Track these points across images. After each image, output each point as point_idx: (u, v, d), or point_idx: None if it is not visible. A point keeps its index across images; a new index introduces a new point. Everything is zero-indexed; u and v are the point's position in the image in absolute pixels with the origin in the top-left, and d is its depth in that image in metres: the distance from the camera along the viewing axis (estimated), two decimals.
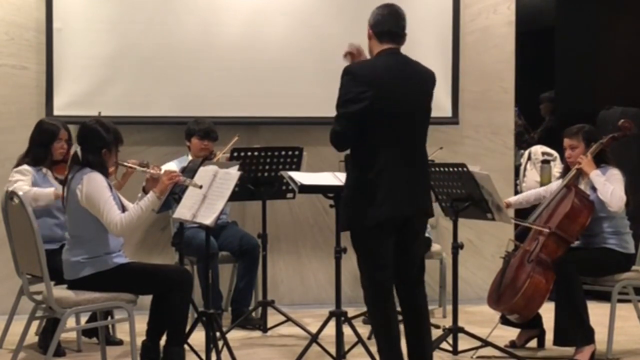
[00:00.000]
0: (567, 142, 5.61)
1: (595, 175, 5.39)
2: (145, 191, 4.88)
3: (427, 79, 4.52)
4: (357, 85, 4.30)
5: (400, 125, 4.35)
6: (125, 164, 5.06)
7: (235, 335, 5.87)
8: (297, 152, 6.05)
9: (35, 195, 5.32)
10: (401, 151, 4.36)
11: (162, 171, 4.89)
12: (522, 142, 9.02)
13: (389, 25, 4.44)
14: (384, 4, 4.54)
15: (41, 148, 5.55)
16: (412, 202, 4.39)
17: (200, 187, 4.80)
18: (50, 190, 5.40)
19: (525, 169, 8.03)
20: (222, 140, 6.40)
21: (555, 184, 5.74)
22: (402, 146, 4.36)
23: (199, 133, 6.35)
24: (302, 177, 5.19)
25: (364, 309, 6.25)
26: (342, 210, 4.49)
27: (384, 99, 4.30)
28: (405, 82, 4.39)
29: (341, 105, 4.33)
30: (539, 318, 5.61)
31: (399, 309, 4.52)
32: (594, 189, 5.40)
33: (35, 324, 5.50)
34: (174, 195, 5.12)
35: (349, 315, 5.34)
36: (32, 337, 5.50)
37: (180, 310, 4.83)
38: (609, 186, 5.33)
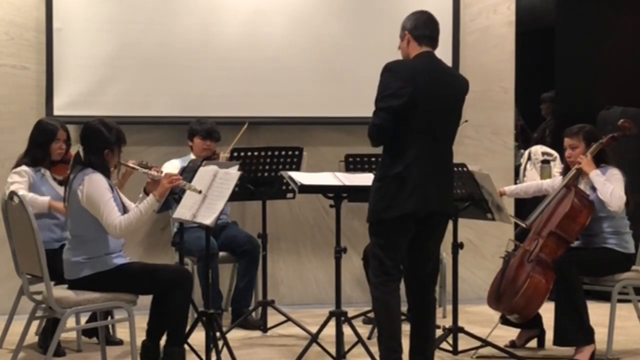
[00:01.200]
0: (567, 141, 5.62)
1: (595, 175, 5.39)
2: (146, 191, 4.88)
3: (462, 83, 4.74)
4: (397, 81, 4.44)
5: (433, 123, 4.50)
6: (128, 164, 5.06)
7: (235, 335, 5.87)
8: (297, 152, 6.05)
9: (30, 202, 5.29)
10: (431, 148, 4.50)
11: (163, 173, 4.89)
12: (528, 140, 9.02)
13: (430, 30, 4.63)
14: (419, 10, 4.70)
15: (40, 148, 5.54)
16: (437, 199, 4.51)
17: (200, 192, 4.81)
18: (45, 199, 5.39)
19: (525, 169, 8.03)
20: (224, 140, 6.40)
21: (559, 179, 5.74)
22: (432, 144, 4.50)
23: (202, 133, 6.36)
24: (302, 177, 5.19)
25: (364, 309, 6.29)
26: (370, 201, 4.56)
27: (420, 96, 4.44)
28: (441, 83, 4.56)
29: (381, 99, 4.47)
30: (539, 318, 5.61)
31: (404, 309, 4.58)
32: (593, 188, 5.40)
33: (35, 324, 5.50)
34: (174, 195, 5.12)
35: (349, 315, 5.33)
36: (32, 337, 5.50)
37: (180, 310, 4.83)
38: (609, 186, 5.33)
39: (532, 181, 6.14)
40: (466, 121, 6.45)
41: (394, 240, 4.51)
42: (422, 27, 4.60)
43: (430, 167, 4.48)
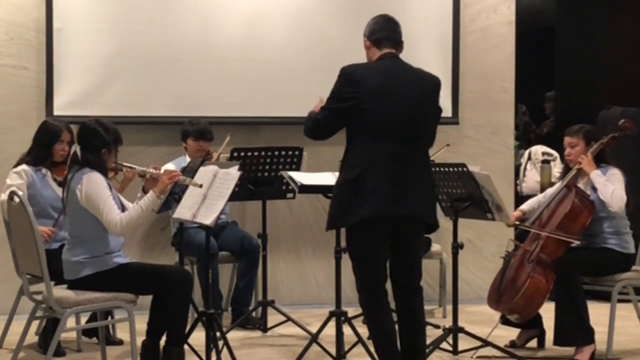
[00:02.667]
0: (567, 140, 5.61)
1: (596, 175, 5.39)
2: (145, 191, 4.88)
3: (427, 82, 4.54)
4: (348, 84, 4.39)
5: (391, 126, 4.37)
6: (125, 164, 5.06)
7: (235, 335, 5.87)
8: (297, 152, 6.05)
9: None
10: (391, 152, 4.36)
11: (162, 171, 4.89)
12: (528, 139, 9.01)
13: (387, 32, 4.53)
14: (377, 15, 4.63)
15: (42, 149, 5.54)
16: (399, 203, 4.36)
17: (201, 186, 4.80)
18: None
19: (525, 169, 8.03)
20: (219, 140, 6.39)
21: (555, 189, 5.71)
22: (393, 149, 4.37)
23: (194, 134, 6.35)
24: (302, 177, 5.19)
25: None
26: (329, 209, 4.50)
27: (373, 99, 4.34)
28: (401, 85, 4.42)
29: (329, 100, 4.46)
30: (539, 318, 5.61)
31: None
32: (594, 188, 5.40)
33: (35, 324, 5.50)
34: (174, 195, 5.12)
35: (349, 315, 5.33)
36: (32, 337, 5.50)
37: (180, 311, 4.83)
38: (610, 186, 5.33)
39: (540, 195, 6.04)
40: (447, 145, 6.50)
41: (364, 249, 4.40)
42: (378, 31, 4.54)
43: (390, 171, 4.34)
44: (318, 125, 4.52)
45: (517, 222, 5.65)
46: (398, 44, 4.54)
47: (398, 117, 4.38)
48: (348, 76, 4.41)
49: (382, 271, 4.45)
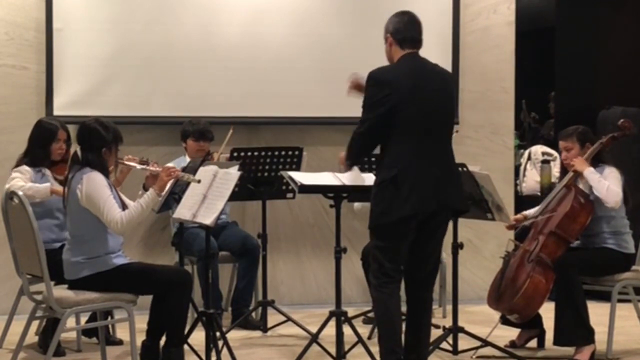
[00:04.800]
0: (562, 144, 5.61)
1: (589, 172, 5.39)
2: (145, 189, 4.89)
3: (447, 79, 4.74)
4: (381, 89, 4.45)
5: (424, 123, 4.48)
6: (125, 162, 5.06)
7: (235, 335, 5.87)
8: (297, 152, 6.05)
9: (32, 191, 5.30)
10: (425, 148, 4.48)
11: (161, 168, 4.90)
12: (538, 137, 9.00)
13: (411, 32, 4.61)
14: (401, 11, 4.68)
15: (40, 149, 5.54)
16: (436, 197, 4.49)
17: (199, 181, 4.80)
18: (45, 185, 5.39)
19: (525, 169, 8.03)
20: (219, 140, 6.39)
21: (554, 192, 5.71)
22: (426, 144, 4.49)
23: (194, 134, 6.35)
24: (302, 177, 5.19)
25: (364, 308, 6.29)
26: (371, 208, 4.55)
27: (406, 100, 4.43)
28: (427, 84, 4.53)
29: (365, 109, 4.49)
30: (539, 318, 5.61)
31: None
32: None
33: (35, 324, 5.50)
34: (174, 195, 5.12)
35: (349, 315, 5.33)
36: (32, 337, 5.50)
37: (179, 312, 4.83)
38: (605, 182, 5.34)
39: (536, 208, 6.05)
40: (457, 131, 6.49)
41: (395, 244, 4.50)
42: (403, 30, 4.59)
43: (425, 167, 4.47)
44: (364, 139, 4.52)
45: (514, 223, 5.66)
46: (419, 42, 4.64)
47: (427, 115, 4.49)
48: (378, 81, 4.47)
49: (401, 263, 4.54)
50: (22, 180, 5.40)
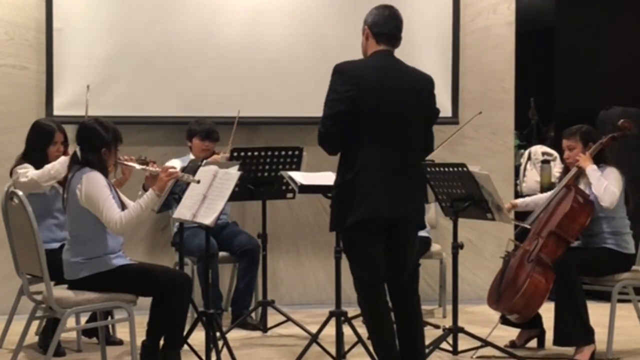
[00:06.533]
0: (565, 143, 5.62)
1: (592, 170, 5.40)
2: (145, 189, 4.89)
3: (420, 82, 4.48)
4: (344, 84, 4.30)
5: (385, 126, 4.33)
6: (125, 162, 5.06)
7: (235, 335, 5.87)
8: (297, 152, 6.05)
9: (53, 170, 5.28)
10: (384, 153, 4.33)
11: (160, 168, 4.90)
12: (542, 137, 8.99)
13: (389, 28, 4.44)
14: (383, 5, 4.52)
15: (37, 152, 5.51)
16: (393, 206, 4.35)
17: (198, 182, 4.80)
18: (60, 159, 5.35)
19: (525, 169, 8.03)
20: (224, 140, 6.40)
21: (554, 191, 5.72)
22: (385, 149, 4.33)
23: (201, 134, 6.36)
24: (302, 177, 5.19)
25: None
26: (331, 210, 4.50)
27: (368, 98, 4.29)
28: (394, 84, 4.36)
29: (328, 104, 4.34)
30: (539, 318, 5.61)
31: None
32: None
33: (35, 324, 5.50)
34: (174, 195, 5.12)
35: (349, 315, 5.33)
36: (32, 337, 5.50)
37: (178, 314, 4.82)
38: (604, 181, 5.35)
39: (541, 194, 6.05)
40: (480, 112, 6.45)
41: (361, 249, 4.39)
42: (381, 25, 4.41)
43: (382, 173, 4.31)
44: (324, 138, 4.36)
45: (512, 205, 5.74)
46: (397, 40, 4.47)
47: (391, 118, 4.33)
48: (342, 75, 4.31)
49: (378, 271, 4.42)
50: (33, 170, 5.38)
